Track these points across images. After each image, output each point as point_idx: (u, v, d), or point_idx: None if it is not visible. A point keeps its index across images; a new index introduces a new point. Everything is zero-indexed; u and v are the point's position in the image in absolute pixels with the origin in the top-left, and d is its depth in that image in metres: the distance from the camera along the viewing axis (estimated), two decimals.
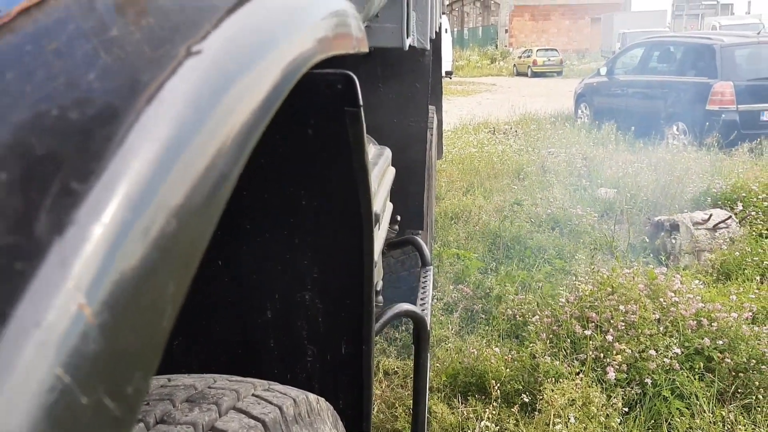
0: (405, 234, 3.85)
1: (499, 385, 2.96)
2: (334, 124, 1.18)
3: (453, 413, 2.88)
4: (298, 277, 1.50)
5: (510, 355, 3.23)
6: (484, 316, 4.03)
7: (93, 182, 0.38)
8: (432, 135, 6.15)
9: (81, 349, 0.35)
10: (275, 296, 1.54)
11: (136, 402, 0.39)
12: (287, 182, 1.32)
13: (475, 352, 3.26)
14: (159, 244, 0.40)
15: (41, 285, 0.35)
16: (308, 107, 1.18)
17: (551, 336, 3.27)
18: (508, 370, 3.14)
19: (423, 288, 2.20)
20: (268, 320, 1.55)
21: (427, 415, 2.83)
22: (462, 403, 3.01)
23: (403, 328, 3.95)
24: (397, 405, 3.05)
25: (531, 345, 3.19)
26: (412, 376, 2.30)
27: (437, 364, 3.43)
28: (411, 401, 2.12)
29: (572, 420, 2.57)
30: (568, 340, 3.21)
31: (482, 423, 2.61)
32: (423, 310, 1.98)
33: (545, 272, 4.71)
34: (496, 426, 2.68)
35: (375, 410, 3.11)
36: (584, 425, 2.67)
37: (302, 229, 1.42)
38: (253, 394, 0.98)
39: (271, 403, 0.96)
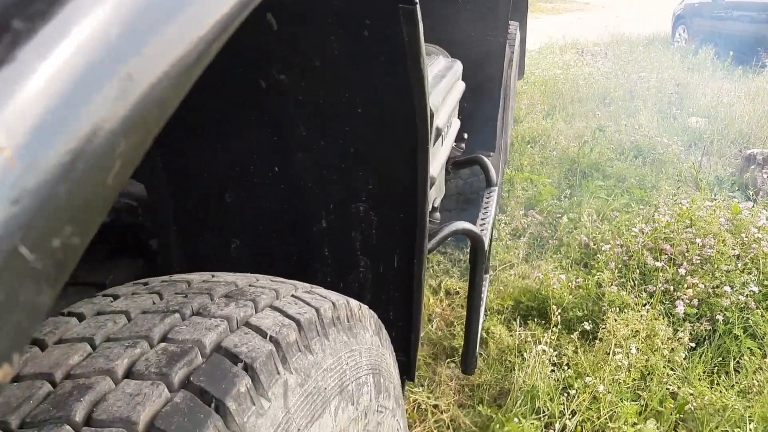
0: (476, 154, 3.77)
1: (560, 311, 2.92)
2: (391, 26, 1.12)
3: (511, 335, 2.87)
4: (352, 187, 1.48)
5: (575, 283, 3.17)
6: (553, 242, 3.95)
7: (38, 23, 0.36)
8: (513, 53, 5.92)
9: None
10: (330, 206, 1.53)
11: (65, 258, 0.38)
12: (342, 87, 1.28)
13: (540, 277, 3.21)
14: (106, 97, 0.37)
15: None
16: (364, 7, 1.13)
17: (621, 266, 3.17)
18: (571, 297, 3.09)
19: (485, 208, 2.16)
20: (323, 229, 1.55)
21: (482, 335, 2.84)
22: (521, 327, 2.99)
23: (468, 249, 3.93)
24: (455, 324, 3.06)
25: (598, 274, 3.11)
26: None
27: (500, 288, 3.41)
28: None
29: (633, 351, 2.51)
30: (638, 272, 3.11)
31: (539, 347, 2.59)
32: (482, 230, 1.94)
33: (622, 202, 4.54)
34: (554, 351, 2.66)
35: (434, 327, 3.14)
36: (646, 357, 2.61)
37: (357, 138, 1.39)
38: (292, 295, 0.98)
39: (309, 304, 0.95)
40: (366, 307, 1.16)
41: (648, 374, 2.64)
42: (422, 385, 2.78)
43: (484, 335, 2.97)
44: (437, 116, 1.71)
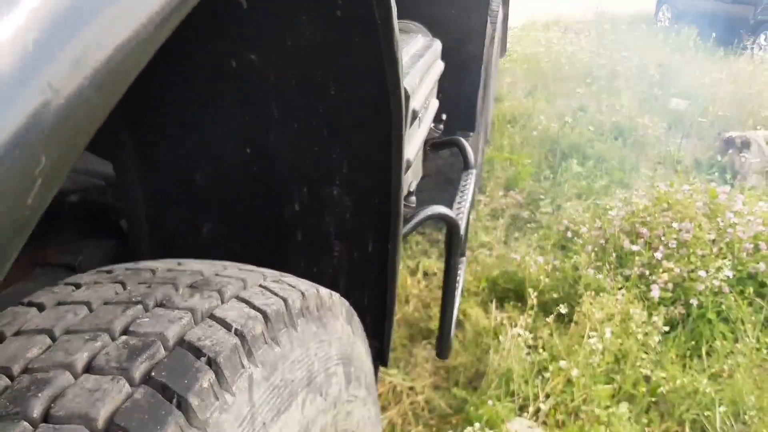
0: (455, 134, 3.74)
1: (537, 294, 2.93)
2: (363, 6, 1.09)
3: (487, 318, 2.88)
4: (326, 170, 1.45)
5: (552, 265, 3.17)
6: (531, 225, 3.95)
7: None
8: (495, 30, 5.86)
9: None
10: (303, 189, 1.50)
11: None
12: (315, 68, 1.25)
13: (518, 259, 3.21)
14: (22, 111, 0.33)
15: None
16: None
17: (597, 249, 3.18)
18: (548, 280, 3.09)
19: (462, 191, 2.13)
20: (296, 213, 1.52)
21: (458, 317, 2.84)
22: (498, 309, 3.00)
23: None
24: (432, 305, 3.06)
25: (575, 257, 3.12)
26: None
27: (477, 269, 3.41)
28: None
29: (608, 335, 2.53)
30: (614, 255, 3.12)
31: (515, 329, 2.59)
32: (458, 213, 1.93)
33: (602, 184, 4.56)
34: (530, 333, 2.66)
35: (411, 308, 3.13)
36: (620, 341, 2.63)
37: (331, 120, 1.36)
38: (260, 285, 0.96)
39: (276, 294, 0.93)
40: (337, 295, 1.13)
41: (622, 358, 2.66)
42: (398, 367, 2.78)
43: (461, 317, 2.97)
44: (413, 98, 1.68)
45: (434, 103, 2.26)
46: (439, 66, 2.17)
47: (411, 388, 2.59)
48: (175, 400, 0.70)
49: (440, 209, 1.76)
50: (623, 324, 2.72)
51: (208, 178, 1.52)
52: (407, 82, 1.65)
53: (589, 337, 2.57)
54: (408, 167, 1.73)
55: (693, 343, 2.80)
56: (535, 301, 2.71)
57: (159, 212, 1.59)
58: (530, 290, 2.75)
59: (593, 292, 2.80)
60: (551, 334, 2.75)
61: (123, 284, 0.92)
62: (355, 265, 1.55)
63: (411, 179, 1.87)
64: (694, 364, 2.76)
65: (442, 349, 1.88)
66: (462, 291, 2.21)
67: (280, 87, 1.32)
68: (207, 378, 0.74)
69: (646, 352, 2.72)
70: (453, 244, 1.80)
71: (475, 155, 3.96)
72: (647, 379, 2.57)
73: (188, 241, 1.61)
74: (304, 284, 1.03)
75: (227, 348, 0.78)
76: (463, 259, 2.38)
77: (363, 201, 1.47)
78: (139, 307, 0.84)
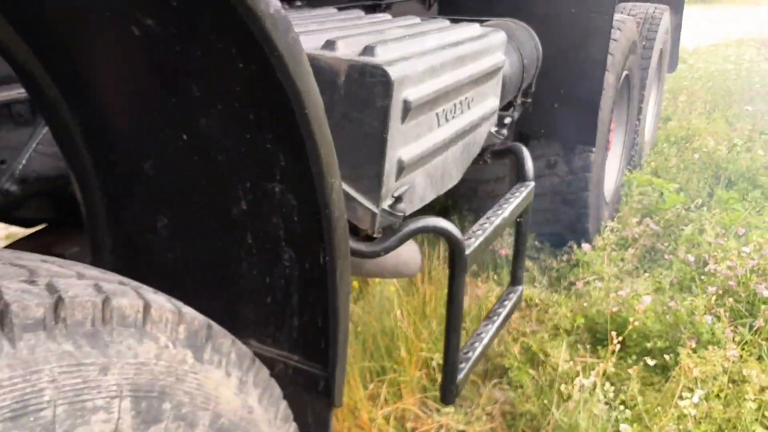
0: (575, 147, 3.30)
1: (639, 338, 2.45)
2: None
3: (573, 361, 2.46)
4: (264, 163, 1.23)
5: (666, 306, 2.65)
6: (669, 257, 3.38)
7: None
8: (665, 43, 5.24)
9: None
10: (246, 185, 1.30)
11: None
12: (228, 38, 1.04)
13: (624, 295, 2.73)
14: None
15: None
16: None
17: (721, 292, 2.60)
18: (659, 323, 2.59)
19: (500, 205, 1.77)
20: (244, 212, 1.32)
21: (539, 355, 2.45)
22: (590, 352, 2.56)
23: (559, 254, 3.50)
24: (522, 340, 2.68)
25: (691, 299, 2.57)
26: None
27: (584, 303, 2.96)
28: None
29: (696, 399, 2.00)
30: (746, 302, 2.53)
31: (590, 379, 2.16)
32: (479, 231, 1.59)
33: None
34: (611, 385, 2.21)
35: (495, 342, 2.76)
36: (727, 408, 2.09)
37: (256, 101, 1.14)
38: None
39: None
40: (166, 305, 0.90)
41: (730, 429, 2.12)
42: (460, 406, 2.46)
43: (541, 357, 2.57)
44: (406, 87, 1.41)
45: (489, 103, 1.94)
46: (490, 61, 1.85)
47: None
48: None
49: (437, 222, 1.46)
50: (737, 387, 2.17)
51: (156, 168, 1.37)
52: (398, 68, 1.39)
53: (681, 398, 2.07)
54: (402, 169, 1.46)
55: None
56: (617, 347, 2.24)
57: (116, 204, 1.47)
58: (612, 334, 2.29)
59: (695, 343, 2.26)
60: (640, 390, 2.27)
61: None
62: (308, 277, 1.32)
63: (425, 185, 1.58)
64: None
65: (446, 393, 1.56)
66: (503, 324, 1.86)
67: (192, 60, 1.14)
68: None
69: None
70: (456, 267, 1.48)
71: (599, 173, 3.50)
72: None
73: (147, 237, 1.47)
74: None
75: None
76: (519, 288, 2.02)
77: (309, 202, 1.23)
78: None
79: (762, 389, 2.21)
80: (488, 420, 2.38)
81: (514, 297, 1.96)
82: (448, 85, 1.61)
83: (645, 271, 3.37)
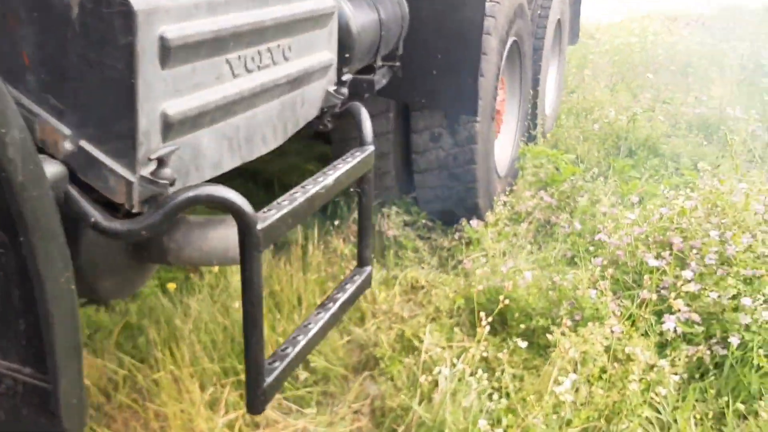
0: (458, 118, 3.07)
1: (521, 317, 2.23)
2: None
3: (449, 347, 2.22)
4: None
5: (551, 282, 2.44)
6: (560, 233, 3.20)
7: None
8: (563, 14, 5.09)
9: None
10: None
11: None
12: None
13: (504, 271, 2.51)
14: None
15: None
16: None
17: (606, 264, 2.40)
18: (544, 300, 2.38)
19: (324, 173, 1.48)
20: None
21: (413, 340, 2.20)
22: (468, 335, 2.33)
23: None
24: (404, 326, 2.41)
25: (573, 272, 2.37)
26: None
27: (471, 282, 2.72)
28: None
29: (568, 383, 1.78)
30: (631, 273, 2.34)
31: (457, 367, 1.92)
32: (284, 202, 1.30)
33: (670, 184, 3.69)
34: (483, 372, 1.97)
35: (372, 329, 2.49)
36: (609, 391, 1.88)
37: None
38: None
39: None
40: None
41: (614, 414, 1.91)
42: (321, 404, 2.19)
43: (416, 343, 2.33)
44: (166, 21, 1.11)
45: (319, 57, 1.66)
46: (314, 4, 1.57)
47: None
48: None
49: (214, 191, 1.16)
50: (622, 367, 1.97)
51: None
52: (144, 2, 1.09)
53: (558, 383, 1.85)
54: (169, 126, 1.16)
55: (726, 399, 1.99)
56: (487, 329, 2.01)
57: None
58: (481, 314, 2.05)
59: (578, 319, 2.06)
60: (520, 376, 2.05)
61: None
62: (23, 269, 1.01)
63: (176, 146, 1.24)
64: (729, 430, 1.97)
65: (252, 400, 1.28)
66: (342, 311, 1.58)
67: None
68: None
69: (657, 411, 1.96)
70: (247, 246, 1.20)
71: (487, 144, 3.28)
72: None
73: None
74: None
75: None
76: (366, 269, 1.75)
77: None
78: None
79: (650, 367, 2.02)
80: (354, 419, 2.12)
81: (358, 280, 1.69)
82: (239, 26, 1.32)
83: (539, 247, 3.18)
